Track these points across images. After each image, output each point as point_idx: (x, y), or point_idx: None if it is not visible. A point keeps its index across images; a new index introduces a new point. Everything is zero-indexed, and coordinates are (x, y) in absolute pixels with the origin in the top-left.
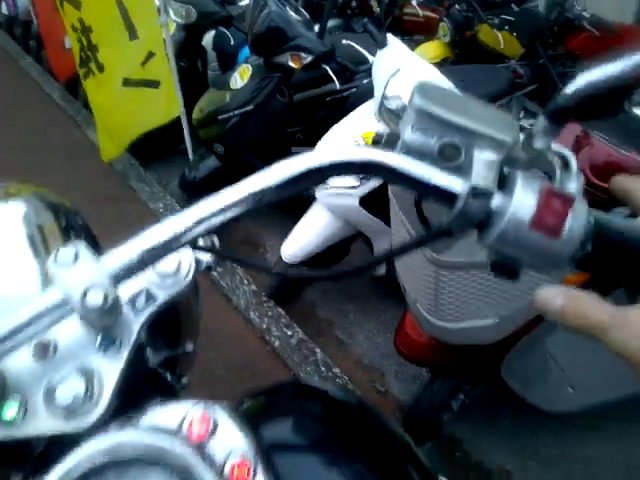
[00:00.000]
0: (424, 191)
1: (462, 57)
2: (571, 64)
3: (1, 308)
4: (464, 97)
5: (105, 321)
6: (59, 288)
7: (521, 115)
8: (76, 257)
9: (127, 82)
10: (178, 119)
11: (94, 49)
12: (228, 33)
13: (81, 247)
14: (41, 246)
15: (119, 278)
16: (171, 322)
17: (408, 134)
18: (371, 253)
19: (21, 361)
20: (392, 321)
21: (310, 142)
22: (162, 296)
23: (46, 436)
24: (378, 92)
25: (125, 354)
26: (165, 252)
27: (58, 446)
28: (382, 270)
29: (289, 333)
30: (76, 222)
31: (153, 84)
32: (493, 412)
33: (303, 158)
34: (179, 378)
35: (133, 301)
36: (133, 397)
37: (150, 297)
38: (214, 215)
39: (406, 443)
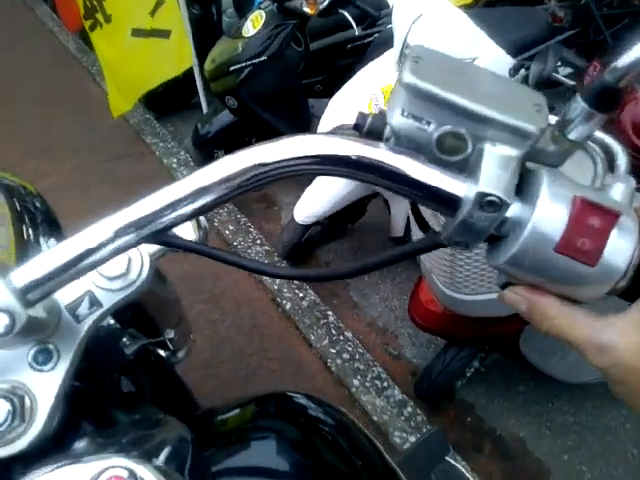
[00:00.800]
0: (417, 195)
1: None
2: (620, 5)
3: None
4: (474, 68)
5: (33, 336)
6: None
7: (558, 64)
8: None
9: (136, 32)
10: (192, 71)
11: None
12: None
13: None
14: None
15: (33, 298)
16: (139, 314)
17: (397, 120)
18: (389, 214)
19: None
20: (408, 283)
21: (331, 94)
22: (109, 301)
23: None
24: (398, 40)
25: (64, 368)
26: (97, 263)
27: None
28: (400, 231)
29: (301, 295)
30: (34, 206)
31: (163, 34)
32: (508, 380)
33: (251, 152)
34: (174, 353)
35: (74, 308)
36: (89, 406)
37: (95, 303)
38: (168, 209)
39: (391, 471)
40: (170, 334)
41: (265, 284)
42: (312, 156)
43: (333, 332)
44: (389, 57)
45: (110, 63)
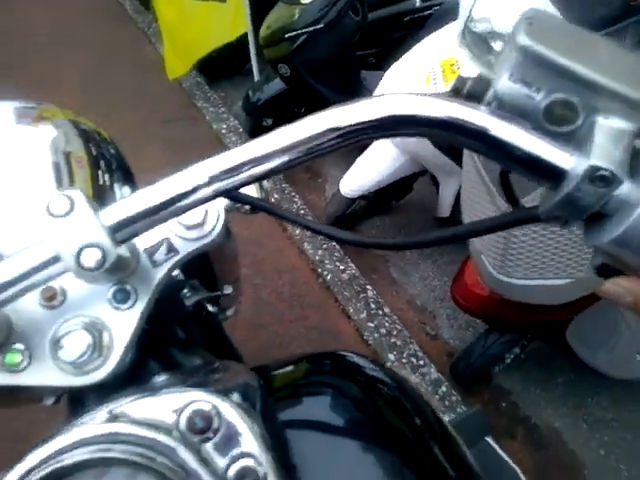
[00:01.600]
0: (519, 164)
1: None
2: None
3: (15, 238)
4: (591, 36)
5: (116, 275)
6: (52, 243)
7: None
8: (71, 207)
9: None
10: (246, 37)
11: None
12: None
13: (79, 196)
14: (66, 175)
15: (125, 234)
16: (204, 266)
17: (504, 84)
18: (436, 193)
19: (28, 308)
20: (450, 266)
21: (383, 67)
22: (185, 250)
23: (51, 388)
24: (463, 11)
25: (140, 309)
26: (180, 210)
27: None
28: (446, 211)
29: (342, 267)
30: (109, 153)
31: None
32: (548, 369)
33: (346, 109)
34: (224, 311)
35: (153, 252)
36: (157, 347)
37: (172, 250)
38: (247, 165)
39: (449, 435)
40: (228, 290)
41: (307, 254)
42: (407, 116)
43: (372, 306)
44: (450, 30)
45: (169, 25)
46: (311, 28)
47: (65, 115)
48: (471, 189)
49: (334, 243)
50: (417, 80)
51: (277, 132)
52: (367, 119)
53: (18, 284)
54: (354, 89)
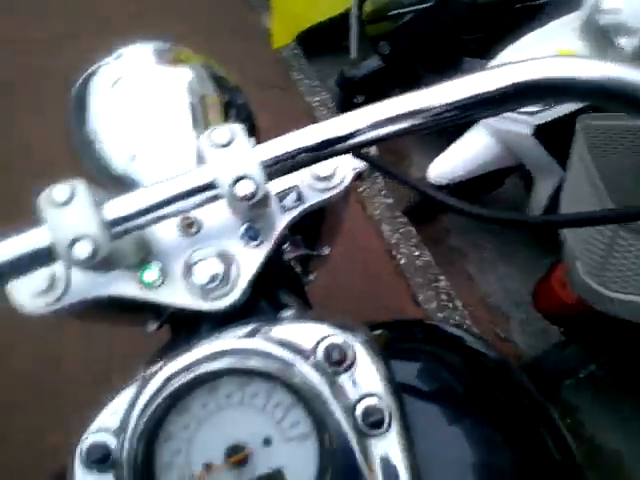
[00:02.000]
0: None
1: None
2: None
3: (153, 171)
4: None
5: (251, 212)
6: (210, 170)
7: None
8: (231, 140)
9: None
10: (348, 12)
11: None
12: None
13: (238, 130)
14: (201, 117)
15: (272, 172)
16: (314, 223)
17: None
18: (527, 193)
19: (166, 232)
20: (530, 269)
21: (485, 55)
22: (312, 199)
23: (179, 308)
24: (590, 1)
25: (266, 249)
26: (325, 155)
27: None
28: (539, 212)
29: (417, 253)
30: (240, 101)
31: None
32: (621, 390)
33: (504, 70)
34: (308, 274)
35: (282, 198)
36: (266, 289)
37: (300, 197)
38: (382, 124)
39: (548, 415)
40: (326, 251)
41: (384, 236)
42: (590, 80)
43: (442, 297)
44: (569, 21)
45: None
46: (419, 6)
47: (198, 59)
48: (576, 191)
49: (411, 228)
50: None
51: (411, 95)
52: (523, 79)
53: (165, 207)
54: (454, 74)
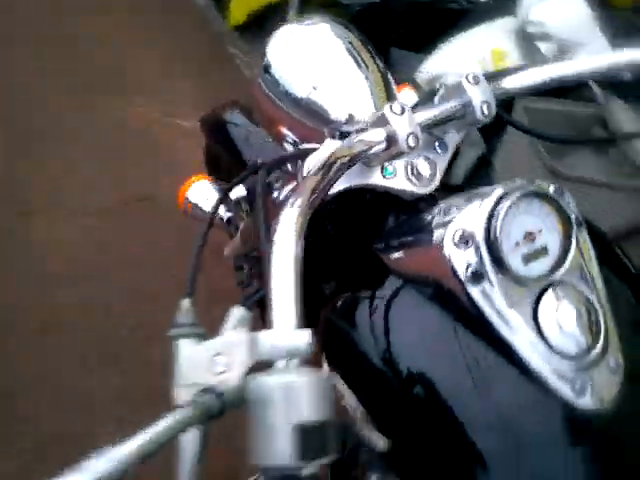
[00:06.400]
0: None
1: None
2: None
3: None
4: None
5: (440, 133)
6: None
7: None
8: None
9: None
10: None
11: None
12: None
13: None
14: (361, 60)
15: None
16: None
17: None
18: None
19: None
20: None
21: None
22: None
23: (401, 190)
24: (522, 11)
25: (449, 154)
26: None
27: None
28: None
29: None
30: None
31: None
32: None
33: None
34: None
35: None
36: None
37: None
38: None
39: None
40: None
41: None
42: None
43: None
44: (503, 24)
45: None
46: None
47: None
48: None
49: None
50: (469, 62)
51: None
52: None
53: None
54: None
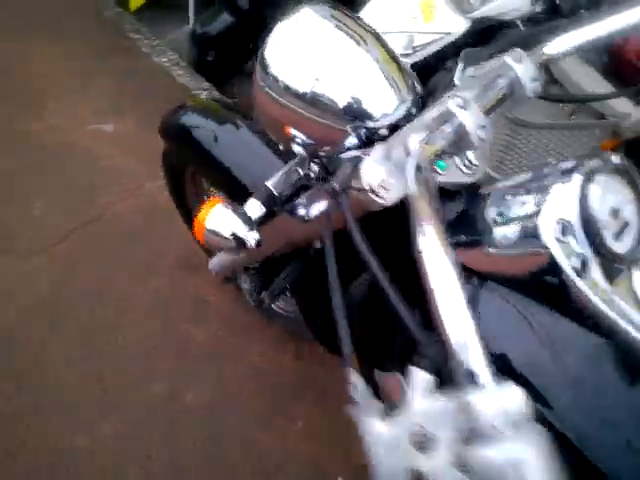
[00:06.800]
0: None
1: None
2: None
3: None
4: None
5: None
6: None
7: None
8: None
9: None
10: None
11: None
12: None
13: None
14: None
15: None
16: None
17: None
18: None
19: None
20: None
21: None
22: None
23: (454, 184)
24: None
25: (491, 137)
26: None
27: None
28: None
29: None
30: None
31: None
32: None
33: None
34: None
35: None
36: None
37: None
38: None
39: None
40: None
41: None
42: None
43: None
44: None
45: None
46: None
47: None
48: None
49: None
50: (397, 19)
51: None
52: None
53: None
54: None
